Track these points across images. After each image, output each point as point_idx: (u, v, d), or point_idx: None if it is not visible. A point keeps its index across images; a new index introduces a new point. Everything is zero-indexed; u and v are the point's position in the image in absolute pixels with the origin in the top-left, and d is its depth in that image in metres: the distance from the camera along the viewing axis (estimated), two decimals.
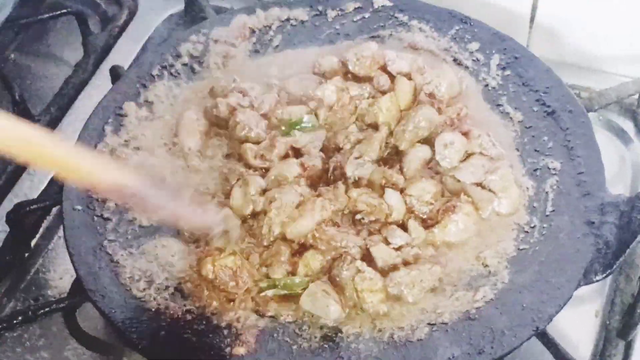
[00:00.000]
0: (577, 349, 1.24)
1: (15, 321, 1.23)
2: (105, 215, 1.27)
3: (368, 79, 1.41)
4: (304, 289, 1.16)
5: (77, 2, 1.78)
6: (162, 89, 1.44)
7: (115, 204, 1.28)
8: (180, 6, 1.72)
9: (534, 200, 1.25)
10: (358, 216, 1.23)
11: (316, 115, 1.36)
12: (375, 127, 1.34)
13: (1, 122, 0.92)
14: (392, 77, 1.40)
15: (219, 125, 1.37)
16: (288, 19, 1.54)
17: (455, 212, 1.22)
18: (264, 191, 1.26)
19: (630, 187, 1.45)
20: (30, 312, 1.24)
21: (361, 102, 1.37)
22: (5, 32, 1.56)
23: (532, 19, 1.60)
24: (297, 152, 1.33)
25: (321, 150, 1.33)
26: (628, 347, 1.25)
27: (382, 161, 1.31)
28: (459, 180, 1.26)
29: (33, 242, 1.43)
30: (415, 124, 1.30)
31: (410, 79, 1.39)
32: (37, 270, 1.39)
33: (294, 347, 1.12)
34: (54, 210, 1.43)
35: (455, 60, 1.45)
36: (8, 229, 1.38)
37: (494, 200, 1.24)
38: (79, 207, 1.28)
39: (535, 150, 1.31)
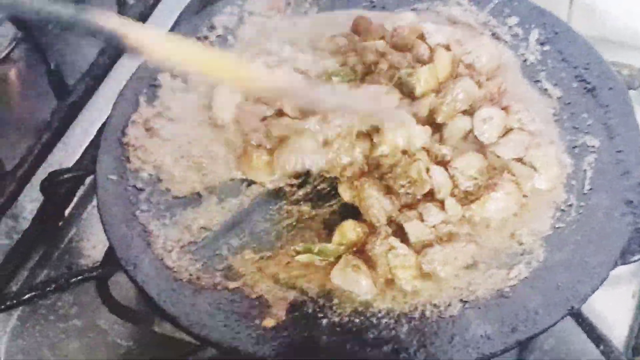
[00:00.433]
0: (612, 330, 1.21)
1: (48, 289, 1.24)
2: (139, 185, 1.28)
3: (407, 49, 1.39)
4: (339, 257, 1.15)
5: None
6: None
7: (149, 174, 1.28)
8: None
9: (572, 178, 1.23)
10: (400, 189, 1.22)
11: (354, 71, 1.35)
12: (412, 98, 1.32)
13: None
14: (431, 48, 1.38)
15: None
16: None
17: (495, 190, 1.20)
18: None
19: None
20: (62, 281, 1.24)
21: (400, 71, 1.35)
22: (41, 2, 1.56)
23: None
24: None
25: None
26: None
27: None
28: (498, 156, 1.24)
29: (67, 212, 1.44)
30: (454, 97, 1.28)
31: (449, 50, 1.37)
32: (70, 239, 1.40)
33: (324, 320, 1.11)
34: (88, 179, 1.43)
35: (493, 34, 1.42)
36: (42, 198, 1.38)
37: (534, 176, 1.22)
38: (113, 177, 1.28)
39: (574, 127, 1.29)
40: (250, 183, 1.27)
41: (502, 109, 1.29)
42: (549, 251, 1.15)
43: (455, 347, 1.07)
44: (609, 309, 1.24)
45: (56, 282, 1.24)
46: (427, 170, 1.21)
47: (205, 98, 1.37)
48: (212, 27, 1.48)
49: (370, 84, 1.33)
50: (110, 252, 1.23)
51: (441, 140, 1.27)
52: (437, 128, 1.28)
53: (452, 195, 1.22)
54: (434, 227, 1.18)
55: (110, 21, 0.97)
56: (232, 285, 1.15)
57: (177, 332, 1.16)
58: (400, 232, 1.18)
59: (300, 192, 1.25)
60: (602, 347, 1.13)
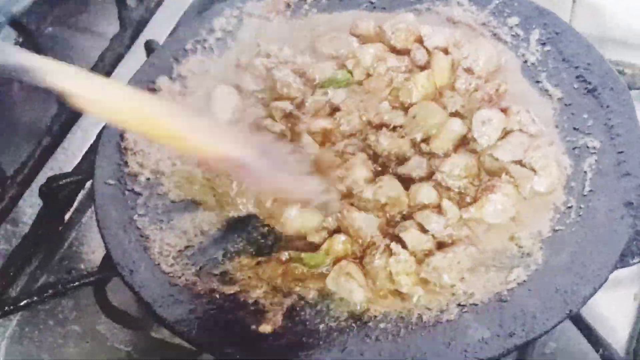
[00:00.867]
0: (614, 333, 1.21)
1: (45, 294, 1.24)
2: (136, 189, 1.27)
3: (405, 52, 1.38)
4: (334, 263, 1.15)
5: None
6: (196, 63, 1.43)
7: (147, 178, 1.28)
8: None
9: (572, 180, 1.22)
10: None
11: (350, 74, 1.36)
12: (408, 106, 1.31)
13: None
14: (429, 52, 1.37)
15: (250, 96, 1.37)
16: None
17: (494, 192, 1.19)
18: None
19: None
20: (60, 286, 1.25)
21: (397, 76, 1.34)
22: (42, 5, 1.56)
23: None
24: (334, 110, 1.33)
25: None
26: None
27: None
28: (497, 159, 1.23)
29: (67, 216, 1.44)
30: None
31: (447, 53, 1.36)
32: (70, 244, 1.41)
33: (321, 325, 1.11)
34: (88, 184, 1.43)
35: (494, 34, 1.41)
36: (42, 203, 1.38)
37: (534, 178, 1.21)
38: (111, 181, 1.28)
39: (575, 129, 1.27)
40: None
41: (502, 110, 1.28)
42: (547, 254, 1.14)
43: (452, 351, 1.06)
44: (610, 312, 1.23)
45: (54, 287, 1.25)
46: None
47: (203, 101, 1.37)
48: (211, 30, 1.47)
49: (370, 89, 1.33)
50: (107, 257, 1.22)
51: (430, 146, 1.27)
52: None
53: (448, 198, 1.21)
54: (432, 234, 1.17)
55: (34, 60, 0.96)
56: (228, 290, 1.15)
57: (174, 338, 1.16)
58: (398, 241, 1.17)
59: None
60: (601, 351, 1.12)
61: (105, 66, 1.62)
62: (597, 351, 1.12)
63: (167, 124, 1.05)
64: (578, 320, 1.14)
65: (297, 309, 1.12)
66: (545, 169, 1.22)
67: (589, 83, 1.31)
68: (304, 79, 1.37)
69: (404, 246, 1.15)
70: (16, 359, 1.27)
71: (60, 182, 1.37)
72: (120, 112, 1.03)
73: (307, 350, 1.09)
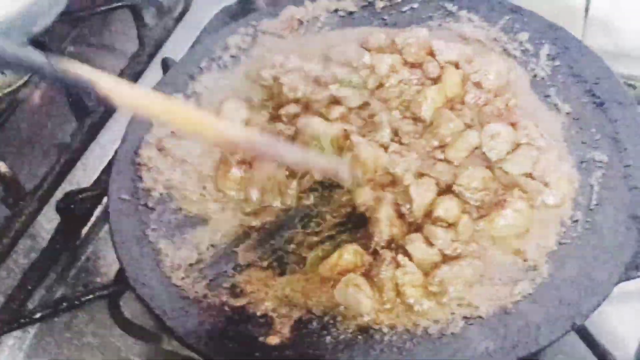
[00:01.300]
0: (621, 347, 1.20)
1: (60, 307, 1.27)
2: (150, 204, 1.30)
3: (418, 65, 1.40)
4: (340, 274, 1.16)
5: None
6: (210, 80, 1.46)
7: (160, 193, 1.30)
8: None
9: (579, 194, 1.22)
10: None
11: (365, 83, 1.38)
12: (417, 118, 1.33)
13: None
14: (441, 65, 1.39)
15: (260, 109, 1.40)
16: (336, 10, 1.53)
17: (505, 208, 1.20)
18: None
19: None
20: (75, 299, 1.27)
21: (410, 88, 1.36)
22: (62, 25, 1.60)
23: (586, 9, 1.56)
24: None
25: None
26: None
27: None
28: (507, 173, 1.24)
29: (85, 230, 1.46)
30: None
31: (458, 67, 1.38)
32: (87, 258, 1.43)
33: (328, 337, 1.12)
34: (105, 199, 1.46)
35: (504, 50, 1.42)
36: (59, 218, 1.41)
37: (544, 191, 1.22)
38: (125, 197, 1.30)
39: (583, 142, 1.28)
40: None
41: (511, 124, 1.29)
42: (553, 267, 1.15)
43: None
44: (618, 326, 1.23)
45: (68, 300, 1.27)
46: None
47: (217, 115, 1.39)
48: (226, 48, 1.50)
49: (380, 99, 1.36)
50: (121, 271, 1.24)
51: (446, 158, 1.28)
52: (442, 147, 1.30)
53: (465, 212, 1.22)
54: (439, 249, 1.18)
55: (83, 70, 1.01)
56: (237, 303, 1.16)
57: (185, 350, 1.17)
58: (404, 255, 1.18)
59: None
60: None
61: None
62: None
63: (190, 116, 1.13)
64: (585, 334, 1.14)
65: (305, 321, 1.14)
66: (554, 182, 1.23)
67: (598, 97, 1.32)
68: (314, 82, 1.39)
69: (411, 259, 1.16)
70: None
71: (78, 197, 1.39)
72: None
73: None
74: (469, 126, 1.31)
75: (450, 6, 1.50)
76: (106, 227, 1.46)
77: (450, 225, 1.20)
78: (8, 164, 1.45)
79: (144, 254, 1.23)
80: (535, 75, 1.38)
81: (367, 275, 1.17)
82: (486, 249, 1.19)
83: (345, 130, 1.30)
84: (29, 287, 1.36)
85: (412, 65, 1.40)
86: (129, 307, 1.30)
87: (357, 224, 1.23)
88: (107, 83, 1.03)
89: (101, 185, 1.44)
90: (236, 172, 1.30)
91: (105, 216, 1.46)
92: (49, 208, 1.46)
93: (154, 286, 1.19)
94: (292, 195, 1.26)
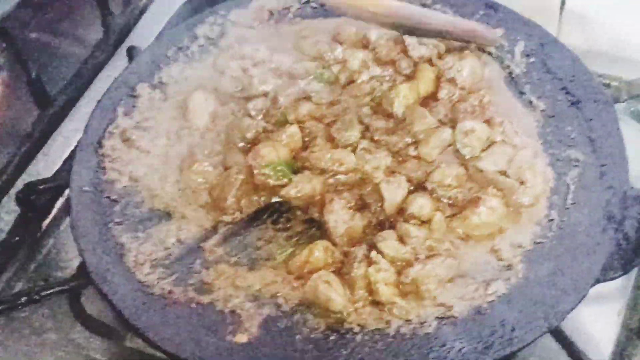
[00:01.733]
0: (596, 349, 1.18)
1: (18, 302, 1.22)
2: (113, 197, 1.26)
3: (390, 62, 1.38)
4: (311, 272, 1.13)
5: None
6: (177, 70, 1.43)
7: (124, 186, 1.26)
8: None
9: (555, 192, 1.21)
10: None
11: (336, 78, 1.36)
12: (389, 114, 1.30)
13: None
14: (415, 62, 1.37)
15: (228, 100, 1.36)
16: (308, 1, 1.51)
17: (479, 206, 1.18)
18: None
19: None
20: (34, 294, 1.22)
21: (382, 85, 1.34)
22: (24, 11, 1.54)
23: (562, 6, 1.55)
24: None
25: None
26: None
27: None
28: (481, 170, 1.22)
29: (45, 223, 1.41)
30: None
31: (432, 64, 1.36)
32: (48, 252, 1.38)
33: (297, 336, 1.09)
34: (67, 191, 1.41)
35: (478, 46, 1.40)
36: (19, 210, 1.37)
37: (519, 190, 1.20)
38: (87, 189, 1.26)
39: (558, 141, 1.26)
40: None
41: (485, 121, 1.27)
42: (528, 267, 1.13)
43: None
44: (594, 328, 1.21)
45: (27, 295, 1.22)
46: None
47: (182, 108, 1.36)
48: (194, 38, 1.47)
49: (351, 95, 1.33)
50: (83, 265, 1.20)
51: (418, 155, 1.26)
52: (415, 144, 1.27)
53: (438, 209, 1.19)
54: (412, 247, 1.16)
55: None
56: (204, 299, 1.13)
57: (150, 348, 1.13)
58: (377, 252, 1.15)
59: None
60: None
61: (87, 73, 1.61)
62: None
63: None
64: (560, 335, 1.12)
65: (274, 318, 1.11)
66: (530, 181, 1.21)
67: (573, 95, 1.31)
68: (284, 76, 1.37)
69: (383, 256, 1.14)
70: None
71: (38, 189, 1.35)
72: None
73: None
74: (442, 123, 1.29)
75: None
76: (67, 220, 1.41)
77: (424, 223, 1.18)
78: None
79: (106, 248, 1.19)
80: (510, 72, 1.37)
81: (339, 272, 1.14)
82: (460, 247, 1.17)
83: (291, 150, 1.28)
84: None
85: (385, 62, 1.38)
86: (91, 303, 1.26)
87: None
88: None
89: (63, 177, 1.40)
90: (202, 165, 1.26)
91: (66, 209, 1.42)
92: (8, 200, 1.41)
93: (117, 281, 1.15)
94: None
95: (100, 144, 1.31)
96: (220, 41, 1.46)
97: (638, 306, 1.24)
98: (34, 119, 1.53)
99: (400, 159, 1.26)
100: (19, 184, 1.43)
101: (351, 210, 1.19)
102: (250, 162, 1.25)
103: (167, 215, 1.23)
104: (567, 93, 1.31)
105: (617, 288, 1.26)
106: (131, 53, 1.51)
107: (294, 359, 1.07)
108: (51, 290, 1.22)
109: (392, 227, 1.18)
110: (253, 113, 1.32)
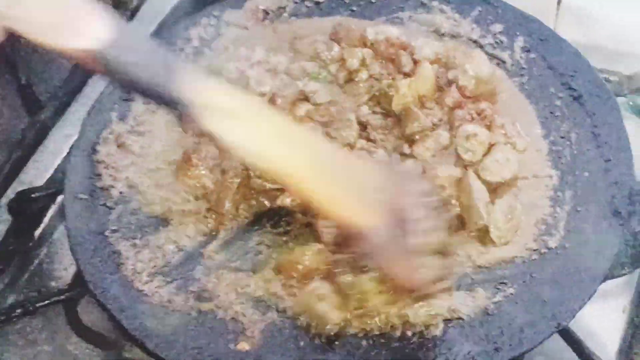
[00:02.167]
0: (602, 347, 1.17)
1: (13, 314, 1.20)
2: (109, 204, 1.23)
3: (390, 59, 1.35)
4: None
5: None
6: None
7: (120, 192, 1.23)
8: None
9: (559, 190, 1.18)
10: None
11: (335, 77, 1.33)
12: (388, 112, 1.28)
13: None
14: (415, 60, 1.34)
15: None
16: (303, 0, 1.48)
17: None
18: None
19: None
20: (29, 305, 1.20)
21: (381, 82, 1.31)
22: None
23: (559, 1, 1.53)
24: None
25: None
26: None
27: None
28: (485, 180, 1.19)
29: (38, 232, 1.39)
30: None
31: (432, 63, 1.33)
32: (40, 261, 1.36)
33: (301, 342, 1.06)
34: (60, 198, 1.39)
35: (477, 42, 1.38)
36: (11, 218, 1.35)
37: (523, 190, 1.19)
38: (82, 196, 1.23)
39: (561, 137, 1.24)
40: None
41: (487, 123, 1.25)
42: (535, 267, 1.11)
43: None
44: (599, 325, 1.20)
45: (22, 306, 1.20)
46: None
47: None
48: (188, 40, 1.44)
49: (349, 94, 1.30)
50: (78, 275, 1.18)
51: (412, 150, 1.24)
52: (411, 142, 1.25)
53: None
54: None
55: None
56: (204, 307, 1.10)
57: (148, 358, 1.11)
58: None
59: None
60: None
61: (78, 77, 1.58)
62: None
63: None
64: (566, 334, 1.11)
65: (277, 325, 1.08)
66: (535, 179, 1.20)
67: (575, 90, 1.29)
68: (281, 76, 1.34)
69: None
70: None
71: (30, 197, 1.32)
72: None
73: None
74: (438, 124, 1.26)
75: None
76: (61, 228, 1.40)
77: None
78: None
79: (103, 256, 1.16)
80: (510, 69, 1.34)
81: (331, 277, 1.10)
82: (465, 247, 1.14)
83: None
84: None
85: (384, 59, 1.35)
86: (87, 313, 1.25)
87: None
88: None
89: (56, 184, 1.38)
90: (199, 169, 1.23)
91: (59, 217, 1.40)
92: (0, 208, 1.38)
93: (115, 291, 1.12)
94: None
95: (94, 150, 1.28)
96: (215, 43, 1.43)
97: None
98: (24, 126, 1.50)
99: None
100: (10, 193, 1.40)
101: None
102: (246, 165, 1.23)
103: (165, 221, 1.20)
104: (569, 88, 1.29)
105: (622, 285, 1.25)
106: None
107: None
108: (46, 302, 1.21)
109: None
110: None
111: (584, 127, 1.24)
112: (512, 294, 1.08)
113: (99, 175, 1.25)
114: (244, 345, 1.06)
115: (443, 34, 1.40)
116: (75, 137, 1.35)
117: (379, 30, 1.38)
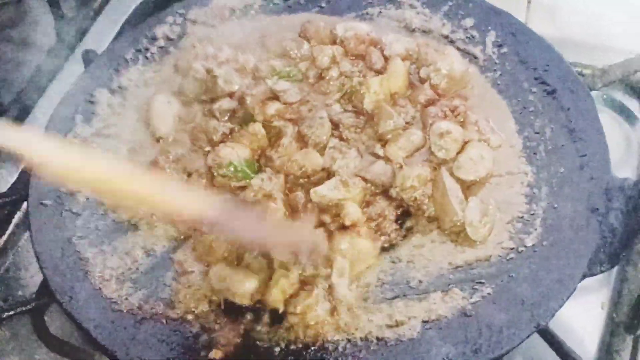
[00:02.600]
0: (582, 344, 1.16)
1: None
2: (75, 209, 1.20)
3: (360, 57, 1.33)
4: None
5: None
6: (137, 73, 1.37)
7: (87, 198, 1.20)
8: None
9: (534, 187, 1.16)
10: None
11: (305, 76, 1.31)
12: (359, 110, 1.26)
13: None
14: (386, 57, 1.32)
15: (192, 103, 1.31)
16: None
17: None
18: None
19: (637, 170, 1.36)
20: None
21: (352, 80, 1.29)
22: None
23: None
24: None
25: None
26: (637, 342, 1.17)
27: None
28: (459, 178, 1.17)
29: (2, 240, 1.36)
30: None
31: (404, 60, 1.31)
32: (6, 270, 1.33)
33: (276, 348, 1.04)
34: (25, 205, 1.35)
35: (448, 38, 1.36)
36: None
37: (498, 186, 1.16)
38: (47, 202, 1.20)
39: (535, 133, 1.22)
40: None
41: (460, 120, 1.23)
42: (512, 265, 1.09)
43: None
44: (578, 322, 1.19)
45: None
46: None
47: (144, 112, 1.30)
48: (153, 39, 1.41)
49: (320, 92, 1.27)
50: (45, 283, 1.14)
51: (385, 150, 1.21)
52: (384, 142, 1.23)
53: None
54: None
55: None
56: (175, 314, 1.08)
57: None
58: None
59: None
60: None
61: (41, 80, 1.55)
62: None
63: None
64: (545, 333, 1.09)
65: (251, 331, 1.06)
66: (509, 176, 1.18)
67: (548, 85, 1.27)
68: (249, 75, 1.32)
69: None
70: None
71: None
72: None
73: None
74: (411, 122, 1.24)
75: None
76: (26, 235, 1.36)
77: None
78: None
79: (70, 264, 1.14)
80: (482, 64, 1.32)
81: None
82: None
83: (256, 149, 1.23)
84: None
85: (355, 57, 1.33)
86: (55, 323, 1.22)
87: None
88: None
89: (19, 191, 1.34)
90: (167, 172, 1.20)
91: (24, 224, 1.36)
92: None
93: (83, 299, 1.10)
94: None
95: None
96: (181, 41, 1.40)
97: (624, 300, 1.20)
98: None
99: (369, 159, 1.21)
100: None
101: None
102: (210, 163, 1.20)
103: (134, 226, 1.18)
104: (542, 83, 1.27)
105: (599, 281, 1.23)
106: (87, 57, 1.44)
107: None
108: (12, 312, 1.17)
109: None
110: (219, 114, 1.27)
111: (559, 122, 1.22)
112: (489, 293, 1.06)
113: None
114: (217, 354, 1.03)
115: (414, 30, 1.38)
116: None
117: (348, 26, 1.36)
